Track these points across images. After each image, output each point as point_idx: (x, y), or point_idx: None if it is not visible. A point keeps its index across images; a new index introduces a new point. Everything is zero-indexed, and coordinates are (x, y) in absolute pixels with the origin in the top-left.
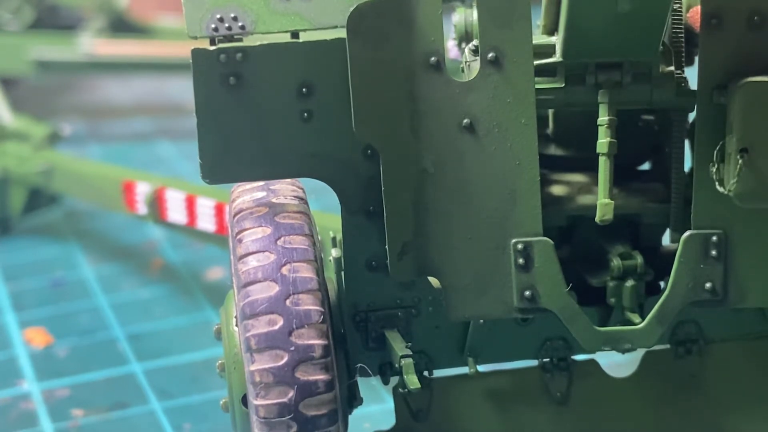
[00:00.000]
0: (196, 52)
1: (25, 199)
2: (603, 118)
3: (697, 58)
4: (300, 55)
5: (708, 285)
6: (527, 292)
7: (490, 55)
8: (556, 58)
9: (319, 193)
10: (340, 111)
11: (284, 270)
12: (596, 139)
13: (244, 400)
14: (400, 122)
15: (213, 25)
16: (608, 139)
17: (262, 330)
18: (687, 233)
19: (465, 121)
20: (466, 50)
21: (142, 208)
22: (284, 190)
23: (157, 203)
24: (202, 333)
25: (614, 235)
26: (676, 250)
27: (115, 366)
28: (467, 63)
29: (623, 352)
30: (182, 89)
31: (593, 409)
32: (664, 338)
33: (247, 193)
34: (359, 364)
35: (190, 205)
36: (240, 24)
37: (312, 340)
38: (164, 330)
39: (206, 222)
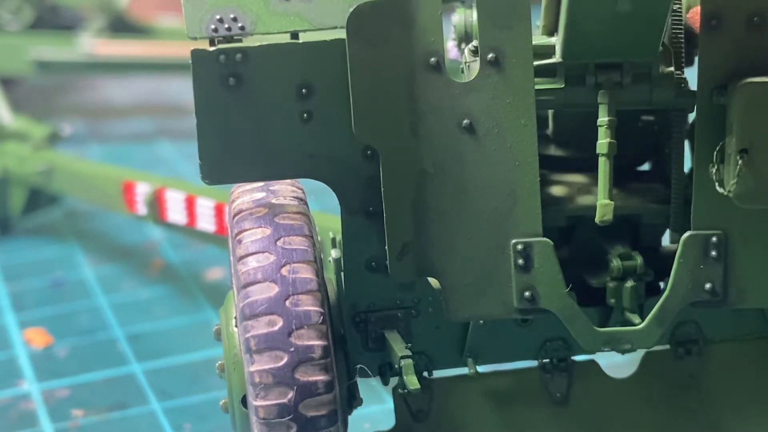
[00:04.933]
0: (195, 53)
1: (25, 199)
2: (603, 118)
3: (697, 59)
4: (300, 55)
5: (708, 285)
6: (527, 293)
7: (490, 55)
8: (556, 58)
9: (319, 193)
10: (339, 112)
11: (284, 271)
12: (596, 139)
13: (244, 401)
14: (400, 123)
15: (213, 26)
16: (608, 139)
17: (262, 331)
18: (687, 234)
19: (465, 121)
20: (466, 51)
21: (142, 209)
22: (284, 190)
23: (157, 203)
24: (202, 333)
25: (614, 235)
26: (676, 250)
27: (115, 366)
28: (467, 63)
29: (623, 352)
30: (182, 89)
31: (593, 409)
32: (664, 339)
33: (247, 194)
34: (359, 365)
35: (190, 205)
36: (240, 25)
37: (312, 340)
38: (164, 330)
39: (206, 222)
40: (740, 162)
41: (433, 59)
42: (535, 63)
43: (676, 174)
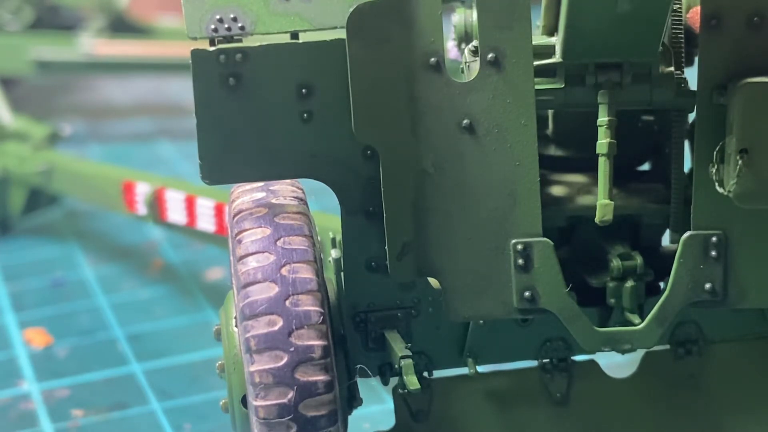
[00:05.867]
0: (195, 53)
1: (25, 199)
2: (603, 118)
3: (697, 59)
4: (300, 55)
5: (708, 285)
6: (527, 293)
7: (490, 55)
8: (556, 58)
9: (319, 193)
10: (339, 112)
11: (284, 271)
12: (596, 139)
13: (244, 401)
14: (400, 123)
15: (213, 26)
16: (608, 139)
17: (262, 331)
18: (687, 234)
19: (465, 121)
20: (466, 51)
21: (142, 209)
22: (284, 190)
23: (156, 203)
24: (202, 333)
25: (614, 235)
26: (676, 250)
27: (115, 366)
28: (467, 64)
29: (623, 352)
30: (182, 89)
31: (593, 409)
32: (664, 339)
33: (247, 194)
34: (359, 365)
35: (190, 205)
36: (240, 25)
37: (312, 340)
38: (164, 330)
39: (206, 222)
40: (740, 162)
41: (433, 59)
42: (535, 63)
43: (676, 174)
